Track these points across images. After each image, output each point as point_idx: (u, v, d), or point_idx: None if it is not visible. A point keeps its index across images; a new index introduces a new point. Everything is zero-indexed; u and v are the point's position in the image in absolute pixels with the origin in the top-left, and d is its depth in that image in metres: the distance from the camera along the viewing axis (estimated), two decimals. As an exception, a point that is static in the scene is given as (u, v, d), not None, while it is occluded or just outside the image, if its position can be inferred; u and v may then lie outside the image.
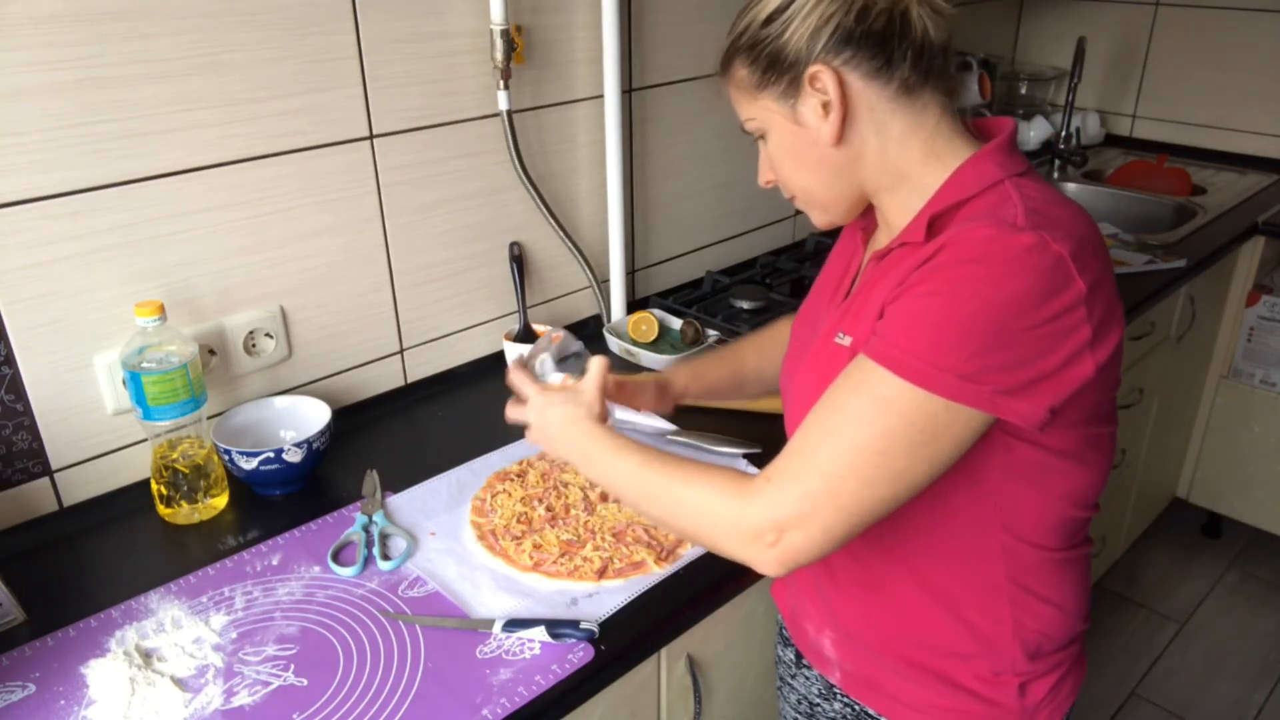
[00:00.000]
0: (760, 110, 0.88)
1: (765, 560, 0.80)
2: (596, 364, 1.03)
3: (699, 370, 1.22)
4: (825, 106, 0.84)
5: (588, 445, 0.96)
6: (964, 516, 0.86)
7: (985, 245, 0.75)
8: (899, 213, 0.88)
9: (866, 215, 0.96)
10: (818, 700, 1.09)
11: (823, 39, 0.81)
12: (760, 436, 1.31)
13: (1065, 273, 0.74)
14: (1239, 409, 2.45)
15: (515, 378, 1.07)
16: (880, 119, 0.84)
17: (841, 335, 0.88)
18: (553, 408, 1.00)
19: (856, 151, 0.86)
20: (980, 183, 0.82)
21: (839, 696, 1.04)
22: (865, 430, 0.76)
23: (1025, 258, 0.74)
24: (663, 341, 1.62)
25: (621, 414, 1.43)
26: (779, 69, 0.84)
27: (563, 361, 1.13)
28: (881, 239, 0.93)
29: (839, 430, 0.77)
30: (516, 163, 1.49)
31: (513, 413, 1.06)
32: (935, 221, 0.83)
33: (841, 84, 0.82)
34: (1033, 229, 0.75)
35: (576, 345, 1.14)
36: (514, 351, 1.51)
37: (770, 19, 0.84)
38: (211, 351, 1.27)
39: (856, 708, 1.01)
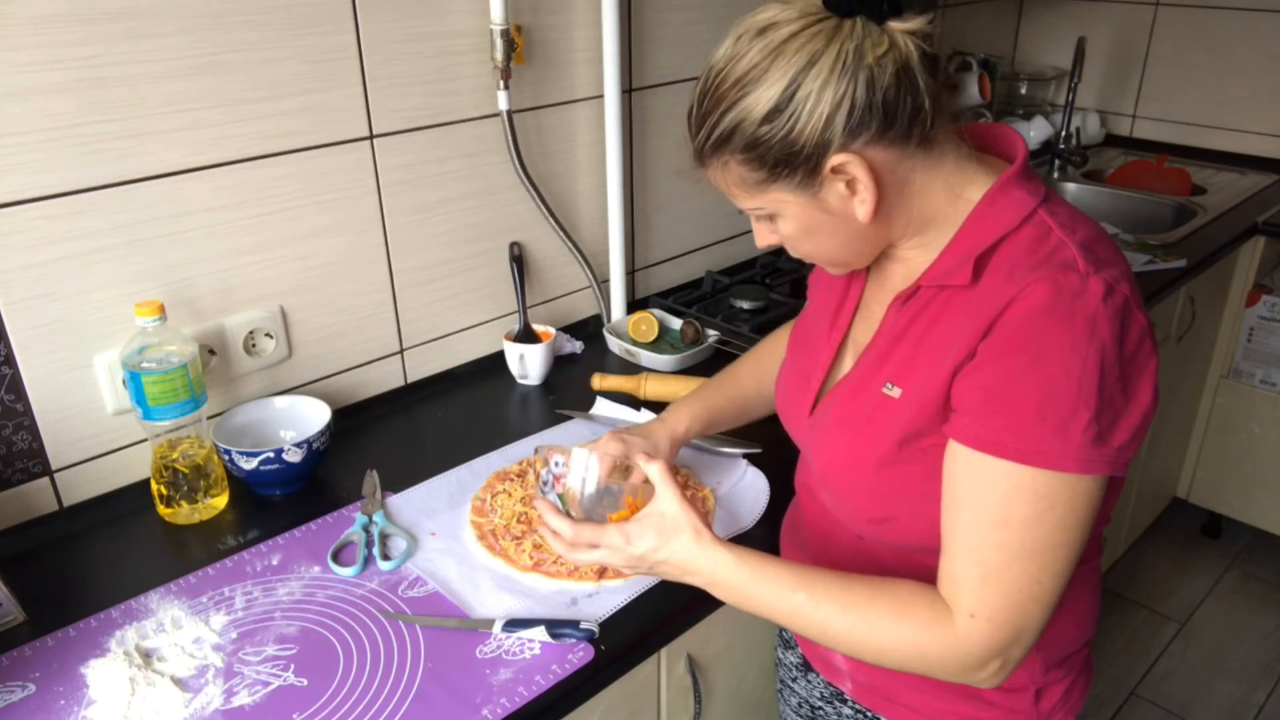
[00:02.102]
0: (769, 201, 0.83)
1: (991, 682, 0.80)
2: (662, 472, 0.90)
3: (697, 408, 1.18)
4: (850, 185, 0.79)
5: (726, 579, 0.87)
6: None
7: (1061, 300, 0.75)
8: (920, 251, 0.86)
9: None
10: (820, 704, 1.08)
11: (839, 124, 0.75)
12: (760, 436, 1.31)
13: (1130, 311, 0.76)
14: (1239, 409, 2.45)
15: (566, 526, 0.92)
16: (903, 178, 0.81)
17: (890, 386, 0.85)
18: (653, 551, 0.88)
19: (885, 216, 0.83)
20: (1017, 214, 0.81)
21: (850, 703, 1.04)
22: (1040, 533, 0.76)
23: (1103, 308, 0.74)
24: (663, 341, 1.62)
25: (611, 413, 1.43)
26: (791, 164, 0.78)
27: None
28: (894, 275, 0.90)
29: (1016, 543, 0.76)
30: (516, 163, 1.49)
31: (582, 555, 0.93)
32: (979, 260, 0.81)
33: (867, 164, 0.78)
34: (1094, 272, 0.75)
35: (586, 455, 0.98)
36: (514, 352, 1.51)
37: (770, 116, 0.76)
38: (211, 351, 1.27)
39: (868, 715, 1.01)
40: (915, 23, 0.76)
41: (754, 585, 0.85)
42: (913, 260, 0.88)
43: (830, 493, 0.93)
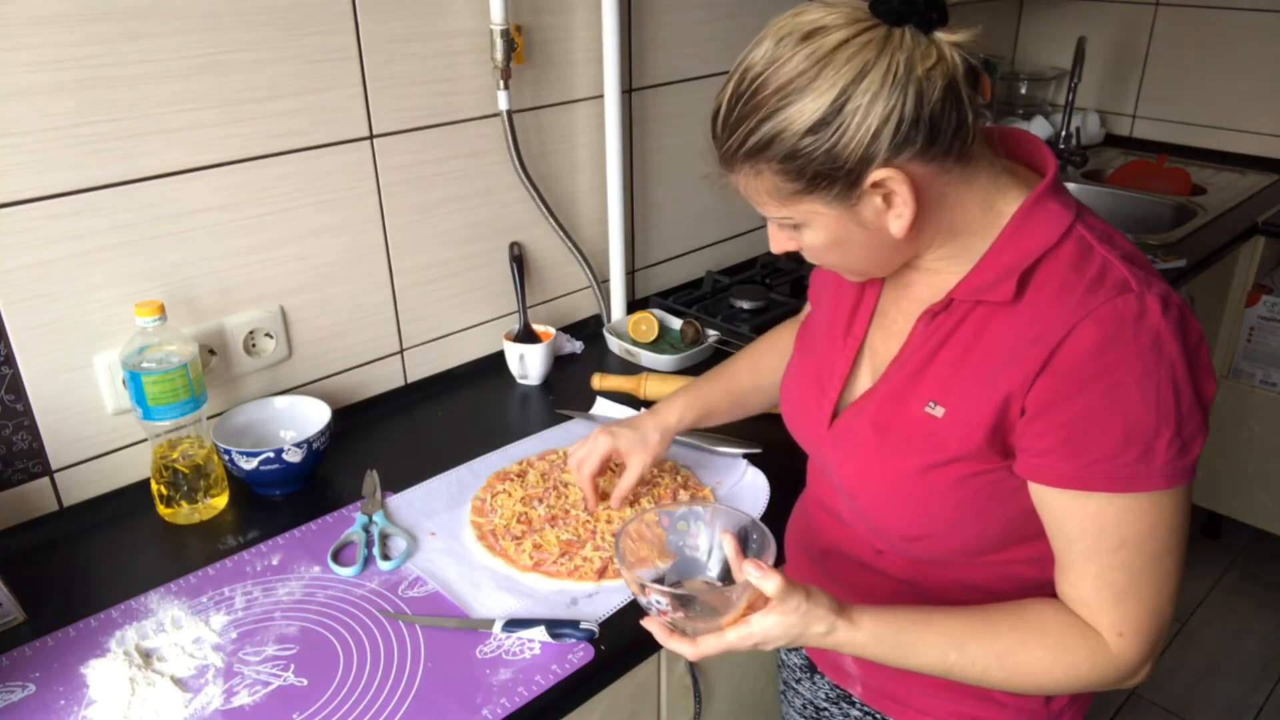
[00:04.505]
0: (800, 211, 0.80)
1: (1143, 679, 0.84)
2: (780, 587, 0.79)
3: (691, 399, 1.18)
4: (888, 199, 0.77)
5: (868, 655, 0.84)
6: (1046, 564, 0.85)
7: (1125, 327, 0.74)
8: (947, 262, 0.85)
9: None
10: (825, 705, 1.08)
11: (885, 139, 0.73)
12: (760, 436, 1.31)
13: (1186, 319, 0.77)
14: (1239, 409, 2.45)
15: (688, 647, 0.83)
16: (939, 191, 0.79)
17: (933, 405, 0.83)
18: (790, 644, 0.83)
19: (918, 229, 0.80)
20: (1056, 229, 0.79)
21: (857, 705, 1.03)
22: (1155, 544, 0.78)
23: (1164, 324, 0.74)
24: (663, 341, 1.62)
25: (611, 413, 1.43)
26: (831, 178, 0.75)
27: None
28: (917, 285, 0.88)
29: (1138, 560, 0.79)
30: (516, 163, 1.49)
31: (704, 648, 0.83)
32: (1022, 277, 0.79)
33: (909, 178, 0.75)
34: (1148, 289, 0.76)
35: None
36: (514, 352, 1.51)
37: (815, 128, 0.73)
38: (211, 351, 1.27)
39: (877, 717, 1.01)
40: (962, 34, 0.74)
41: (900, 656, 0.83)
42: (938, 271, 0.86)
43: (858, 507, 0.92)
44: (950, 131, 0.75)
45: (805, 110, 0.73)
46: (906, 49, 0.72)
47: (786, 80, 0.73)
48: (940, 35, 0.74)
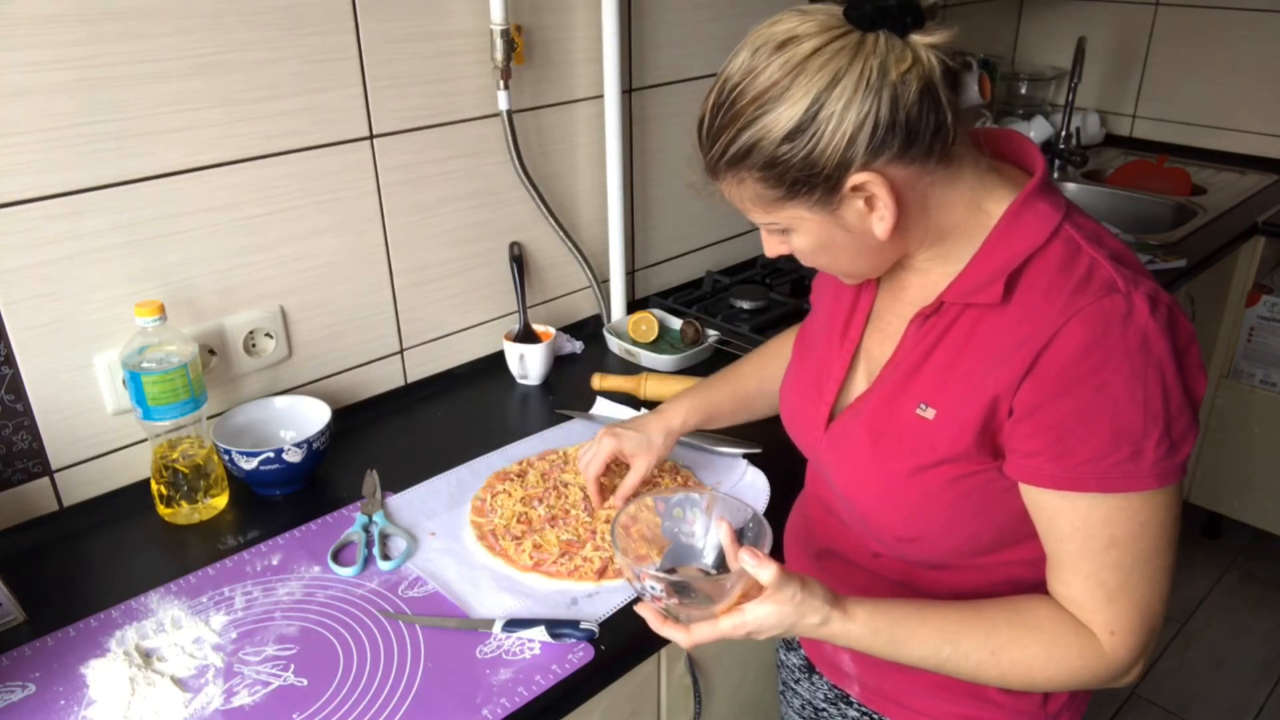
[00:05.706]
0: (784, 217, 0.81)
1: (1134, 679, 0.83)
2: (775, 577, 0.80)
3: (696, 402, 1.18)
4: (869, 202, 0.78)
5: (863, 648, 0.84)
6: (1041, 566, 0.85)
7: (1111, 327, 0.74)
8: (937, 263, 0.85)
9: None
10: (824, 705, 1.08)
11: (861, 144, 0.73)
12: (760, 436, 1.31)
13: (1175, 317, 0.77)
14: (1239, 409, 2.45)
15: (681, 634, 0.83)
16: (922, 193, 0.79)
17: (924, 407, 0.84)
18: (784, 633, 0.82)
19: (903, 231, 0.81)
20: (1044, 229, 0.79)
21: (855, 705, 1.03)
22: (1146, 543, 0.79)
23: (1152, 323, 0.75)
24: (663, 341, 1.62)
25: (610, 413, 1.43)
26: (811, 183, 0.76)
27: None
28: (910, 287, 0.89)
29: (1129, 559, 0.79)
30: (516, 163, 1.49)
31: (698, 635, 0.83)
32: (1010, 278, 0.79)
33: (888, 182, 0.76)
34: (1135, 288, 0.76)
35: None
36: (514, 352, 1.51)
37: (791, 136, 0.74)
38: (211, 351, 1.27)
39: (874, 717, 1.01)
40: (938, 36, 0.74)
41: (893, 649, 0.84)
42: (930, 272, 0.86)
43: (854, 510, 0.92)
44: (929, 134, 0.75)
45: (780, 118, 0.74)
46: (880, 54, 0.73)
47: (762, 89, 0.75)
48: (916, 38, 0.74)
